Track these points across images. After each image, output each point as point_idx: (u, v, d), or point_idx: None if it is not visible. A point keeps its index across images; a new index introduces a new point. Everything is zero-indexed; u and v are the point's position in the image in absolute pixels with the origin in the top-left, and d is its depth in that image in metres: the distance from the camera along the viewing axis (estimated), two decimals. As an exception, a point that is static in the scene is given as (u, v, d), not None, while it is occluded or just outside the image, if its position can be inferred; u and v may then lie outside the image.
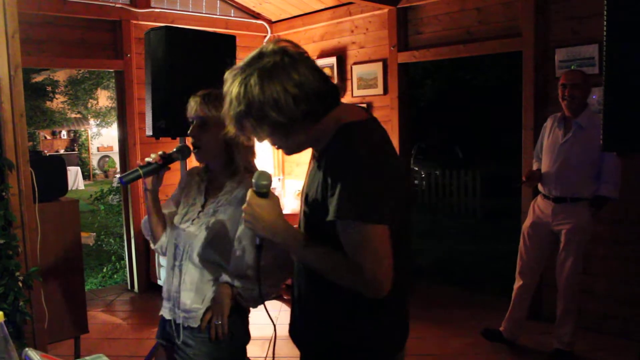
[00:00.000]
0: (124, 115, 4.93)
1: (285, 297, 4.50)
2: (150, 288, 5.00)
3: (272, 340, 1.46)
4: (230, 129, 1.30)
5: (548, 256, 3.50)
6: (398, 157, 1.43)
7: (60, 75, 14.31)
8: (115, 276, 6.01)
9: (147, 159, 1.81)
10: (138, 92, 4.83)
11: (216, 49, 3.02)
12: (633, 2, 1.67)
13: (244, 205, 1.35)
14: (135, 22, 4.83)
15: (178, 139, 2.90)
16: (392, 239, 1.24)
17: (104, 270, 6.20)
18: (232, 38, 3.16)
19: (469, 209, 9.86)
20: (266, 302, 1.53)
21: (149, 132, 2.93)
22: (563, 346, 3.38)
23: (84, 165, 17.24)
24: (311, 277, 1.40)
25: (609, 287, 3.71)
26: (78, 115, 16.14)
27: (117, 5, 4.74)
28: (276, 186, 5.69)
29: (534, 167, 3.60)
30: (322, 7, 5.28)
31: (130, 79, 4.85)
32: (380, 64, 4.92)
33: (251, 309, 1.83)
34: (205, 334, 1.75)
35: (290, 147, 1.35)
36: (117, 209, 6.65)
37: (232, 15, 5.57)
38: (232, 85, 1.24)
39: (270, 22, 5.80)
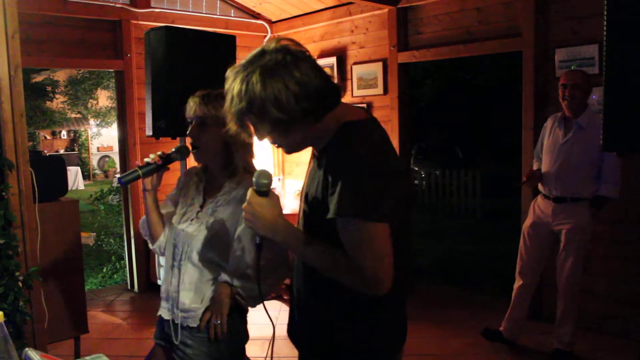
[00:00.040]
0: (124, 115, 4.93)
1: (285, 297, 4.50)
2: (150, 288, 5.00)
3: (272, 340, 1.46)
4: (231, 126, 1.31)
5: (548, 256, 3.50)
6: (398, 157, 1.43)
7: (60, 75, 14.32)
8: (115, 276, 6.01)
9: (146, 160, 1.81)
10: (138, 92, 4.83)
11: (216, 49, 3.02)
12: (633, 2, 1.67)
13: (245, 204, 1.35)
14: (135, 22, 4.83)
15: (178, 139, 2.89)
16: (392, 238, 1.24)
17: (104, 270, 6.20)
18: (232, 38, 3.16)
19: (469, 209, 9.85)
20: (266, 302, 1.53)
21: (149, 132, 2.93)
22: (563, 346, 3.38)
23: (84, 165, 17.24)
24: (310, 277, 1.40)
25: (609, 287, 3.71)
26: (78, 115, 16.16)
27: (117, 5, 4.74)
28: (276, 186, 5.69)
29: (534, 167, 3.60)
30: (322, 7, 5.28)
31: (130, 79, 4.85)
32: (380, 64, 4.91)
33: (250, 308, 1.83)
34: (205, 334, 1.75)
35: (290, 146, 1.35)
36: (117, 209, 6.65)
37: (232, 15, 5.57)
38: (233, 83, 1.24)
39: (270, 22, 5.79)
